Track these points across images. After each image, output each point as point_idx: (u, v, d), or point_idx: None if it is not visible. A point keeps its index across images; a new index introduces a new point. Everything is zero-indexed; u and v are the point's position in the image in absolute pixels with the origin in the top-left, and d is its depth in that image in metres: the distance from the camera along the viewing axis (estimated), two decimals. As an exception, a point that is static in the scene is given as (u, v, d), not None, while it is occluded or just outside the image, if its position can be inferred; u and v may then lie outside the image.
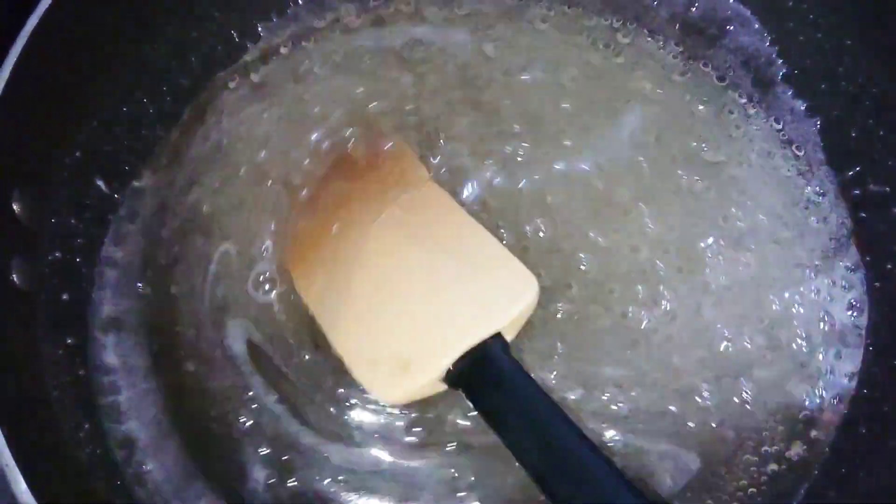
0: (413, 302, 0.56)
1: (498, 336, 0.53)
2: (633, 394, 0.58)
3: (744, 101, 0.67)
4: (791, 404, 0.59)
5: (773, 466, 0.58)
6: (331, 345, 0.57)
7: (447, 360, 0.52)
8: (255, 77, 0.68)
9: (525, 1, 0.70)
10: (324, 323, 0.58)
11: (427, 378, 0.53)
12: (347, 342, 0.56)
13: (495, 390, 0.51)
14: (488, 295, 0.55)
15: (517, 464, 0.49)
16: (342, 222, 0.61)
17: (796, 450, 0.58)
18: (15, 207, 0.53)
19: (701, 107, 0.67)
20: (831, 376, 0.60)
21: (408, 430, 0.57)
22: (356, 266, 0.58)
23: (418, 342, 0.54)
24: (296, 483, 0.56)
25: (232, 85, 0.68)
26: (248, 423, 0.58)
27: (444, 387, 0.54)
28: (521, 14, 0.70)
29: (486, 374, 0.52)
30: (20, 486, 0.43)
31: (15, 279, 0.52)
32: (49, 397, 0.52)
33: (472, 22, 0.70)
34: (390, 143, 0.64)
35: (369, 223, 0.59)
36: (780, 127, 0.66)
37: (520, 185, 0.64)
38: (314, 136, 0.65)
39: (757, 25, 0.67)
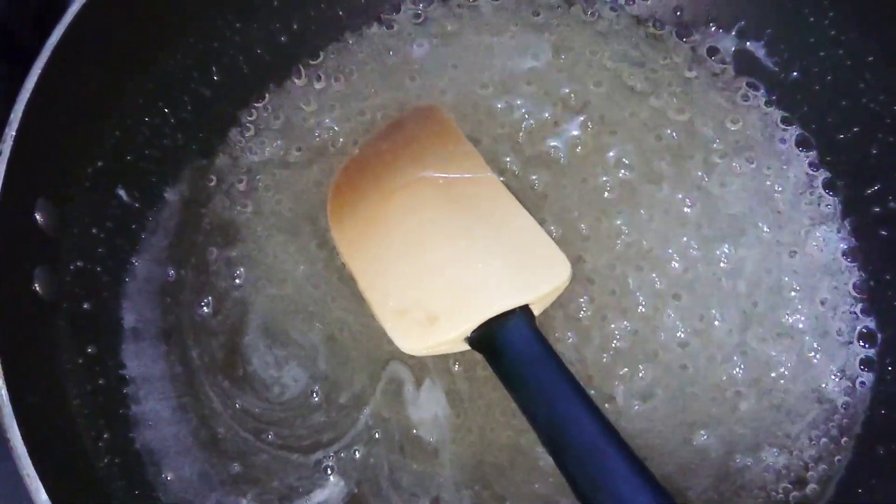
0: (446, 259, 0.57)
1: (526, 307, 0.54)
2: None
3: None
4: (809, 418, 0.59)
5: (785, 485, 0.58)
6: (359, 289, 0.59)
7: (476, 321, 0.54)
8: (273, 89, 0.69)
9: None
10: (355, 268, 0.60)
11: (453, 335, 0.55)
12: (376, 288, 0.58)
13: (518, 359, 0.52)
14: (523, 267, 0.56)
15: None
16: (381, 175, 0.63)
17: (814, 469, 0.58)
18: (38, 217, 0.53)
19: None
20: (847, 398, 0.60)
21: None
22: (392, 218, 0.60)
23: (448, 299, 0.56)
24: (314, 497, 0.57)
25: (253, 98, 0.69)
26: (269, 436, 0.58)
27: (465, 346, 0.56)
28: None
29: (511, 341, 0.53)
30: (41, 495, 0.44)
31: (37, 288, 0.52)
32: (69, 406, 0.52)
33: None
34: (431, 109, 0.66)
35: (407, 180, 0.61)
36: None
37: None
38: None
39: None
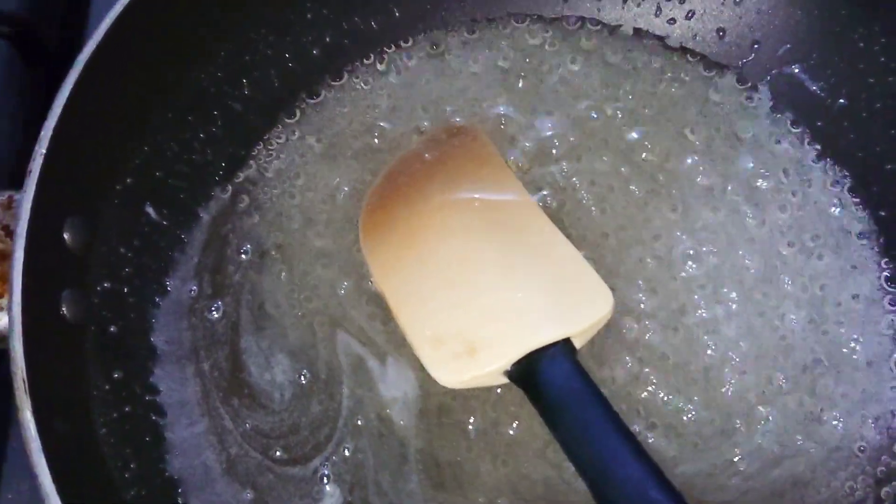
0: (486, 287, 0.55)
1: (567, 341, 0.52)
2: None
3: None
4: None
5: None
6: (393, 315, 0.57)
7: (517, 353, 0.52)
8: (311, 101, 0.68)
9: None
10: (388, 293, 0.57)
11: (492, 367, 0.52)
12: (411, 314, 0.56)
13: (559, 395, 0.50)
14: (565, 297, 0.54)
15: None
16: (415, 195, 0.61)
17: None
18: (66, 237, 0.52)
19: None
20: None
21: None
22: (428, 240, 0.58)
23: (487, 329, 0.53)
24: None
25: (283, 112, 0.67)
26: (277, 452, 0.57)
27: (504, 380, 0.53)
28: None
29: (552, 375, 0.51)
30: (70, 534, 0.42)
31: (65, 311, 0.51)
32: (96, 435, 0.51)
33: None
34: (468, 128, 0.65)
35: (443, 200, 0.60)
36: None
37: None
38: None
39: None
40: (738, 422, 0.57)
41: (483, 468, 0.56)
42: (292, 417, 0.58)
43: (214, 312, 0.61)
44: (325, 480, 0.56)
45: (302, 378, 0.59)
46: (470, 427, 0.57)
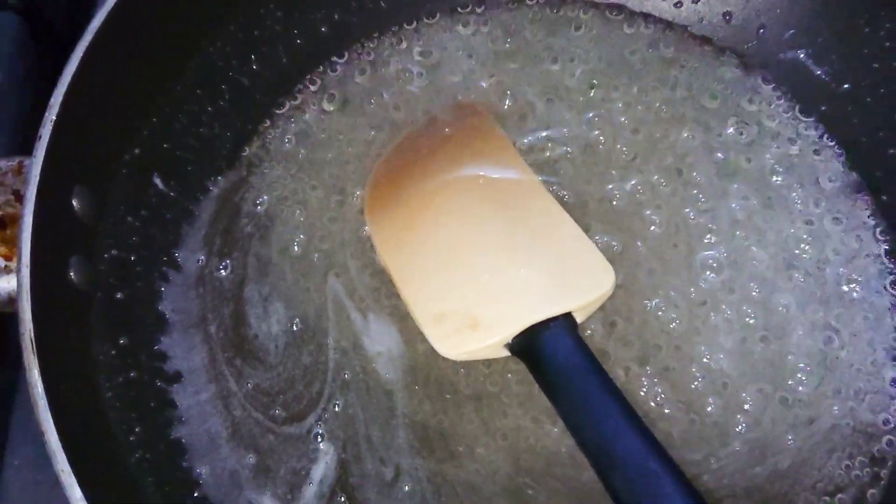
0: (488, 263, 0.56)
1: (568, 315, 0.53)
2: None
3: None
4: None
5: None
6: (398, 291, 0.58)
7: (517, 327, 0.53)
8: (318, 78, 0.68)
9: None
10: (392, 269, 0.59)
11: (494, 340, 0.54)
12: (415, 290, 0.57)
13: (560, 369, 0.51)
14: (567, 273, 0.55)
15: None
16: (419, 172, 0.62)
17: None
18: (75, 204, 0.52)
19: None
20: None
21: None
22: (432, 217, 0.59)
23: (489, 304, 0.55)
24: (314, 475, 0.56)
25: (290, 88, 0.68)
26: (277, 411, 0.58)
27: (505, 352, 0.55)
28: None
29: (553, 349, 0.52)
30: (75, 492, 0.43)
31: (73, 277, 0.51)
32: (102, 399, 0.51)
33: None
34: (471, 106, 0.65)
35: (447, 178, 0.60)
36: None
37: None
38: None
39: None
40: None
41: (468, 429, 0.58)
42: (287, 370, 0.59)
43: (223, 271, 0.62)
44: (320, 439, 0.57)
45: (294, 326, 0.60)
46: (462, 391, 0.58)
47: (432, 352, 0.56)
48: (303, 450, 0.57)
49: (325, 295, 0.61)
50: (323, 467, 0.56)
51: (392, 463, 0.56)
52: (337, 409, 0.58)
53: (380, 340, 0.59)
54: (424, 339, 0.56)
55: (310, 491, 0.56)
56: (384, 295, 0.61)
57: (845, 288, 0.61)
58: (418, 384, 0.58)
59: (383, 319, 0.60)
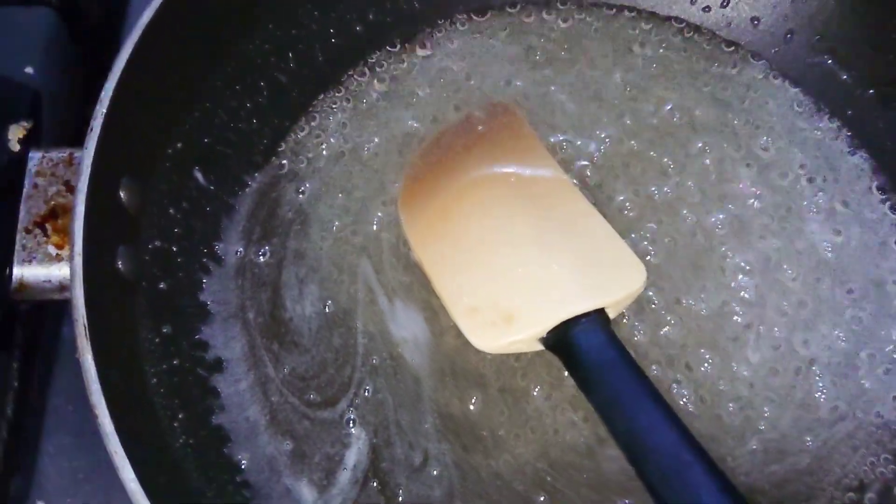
0: (522, 258, 0.57)
1: (601, 311, 0.54)
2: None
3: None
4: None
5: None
6: (431, 284, 0.59)
7: (551, 322, 0.54)
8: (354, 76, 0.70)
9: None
10: (425, 262, 0.60)
11: (528, 334, 0.54)
12: (449, 285, 0.58)
13: (594, 363, 0.52)
14: (599, 270, 0.56)
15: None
16: (453, 168, 0.63)
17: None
18: (122, 195, 0.54)
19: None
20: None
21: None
22: (466, 213, 0.60)
23: (523, 298, 0.55)
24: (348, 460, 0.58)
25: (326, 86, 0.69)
26: (311, 395, 0.59)
27: (539, 346, 0.55)
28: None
29: (587, 344, 0.53)
30: (128, 473, 0.44)
31: (120, 266, 0.53)
32: (148, 385, 0.53)
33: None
34: (505, 106, 0.66)
35: (480, 175, 0.62)
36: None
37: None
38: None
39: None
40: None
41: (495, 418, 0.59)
42: (320, 353, 0.60)
43: (262, 257, 0.63)
44: (352, 424, 0.59)
45: (326, 308, 0.62)
46: (486, 381, 0.60)
47: (460, 342, 0.57)
48: (336, 435, 0.58)
49: (356, 279, 0.62)
50: (356, 452, 0.58)
51: (420, 448, 0.58)
52: (367, 394, 0.59)
53: (406, 327, 0.61)
54: (450, 331, 0.57)
55: (344, 476, 0.57)
56: (416, 287, 0.62)
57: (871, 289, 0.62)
58: (445, 374, 0.60)
59: (410, 307, 0.61)
